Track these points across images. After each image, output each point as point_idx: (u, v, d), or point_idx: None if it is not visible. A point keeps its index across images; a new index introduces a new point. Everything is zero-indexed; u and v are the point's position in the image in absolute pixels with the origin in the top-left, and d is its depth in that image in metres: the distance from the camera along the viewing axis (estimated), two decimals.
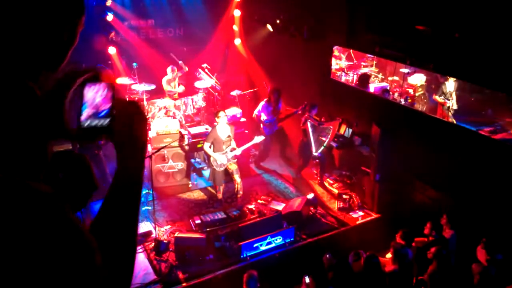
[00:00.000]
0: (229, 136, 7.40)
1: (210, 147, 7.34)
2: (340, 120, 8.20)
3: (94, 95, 1.21)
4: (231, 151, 7.38)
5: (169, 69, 9.86)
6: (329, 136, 8.08)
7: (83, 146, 7.33)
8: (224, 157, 7.36)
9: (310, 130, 8.10)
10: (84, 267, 0.95)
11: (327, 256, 5.71)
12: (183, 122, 9.59)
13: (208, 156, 7.58)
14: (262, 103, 8.82)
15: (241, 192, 7.72)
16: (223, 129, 7.33)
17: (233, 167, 7.52)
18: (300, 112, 8.47)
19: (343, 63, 10.13)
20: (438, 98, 8.13)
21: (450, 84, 8.06)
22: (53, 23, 1.42)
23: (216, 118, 7.33)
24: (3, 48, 1.37)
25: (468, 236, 6.19)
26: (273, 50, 10.28)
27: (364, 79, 9.00)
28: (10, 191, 0.94)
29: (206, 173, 8.58)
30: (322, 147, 8.14)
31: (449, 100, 8.02)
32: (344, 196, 7.79)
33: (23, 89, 1.49)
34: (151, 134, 8.70)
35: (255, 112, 8.87)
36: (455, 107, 8.04)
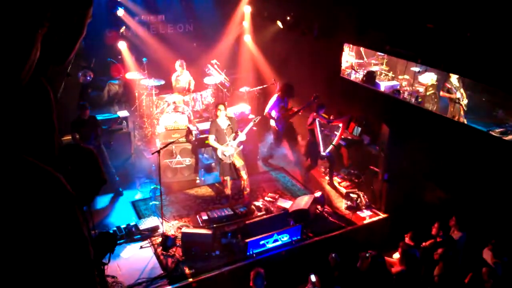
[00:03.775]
0: (229, 125, 7.42)
1: (215, 140, 7.37)
2: (349, 116, 8.13)
3: None
4: (233, 139, 7.39)
5: (177, 64, 9.86)
6: (338, 134, 8.02)
7: (84, 139, 7.41)
8: (229, 147, 7.38)
9: (318, 129, 8.03)
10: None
11: (333, 255, 5.69)
12: (192, 117, 9.61)
13: (215, 150, 7.58)
14: (273, 99, 8.79)
15: (248, 189, 7.71)
16: (223, 120, 7.38)
17: (240, 163, 7.52)
18: (309, 105, 8.44)
19: (354, 60, 10.05)
20: (446, 93, 8.02)
21: (454, 79, 7.96)
22: (60, 14, 1.41)
23: (217, 112, 7.37)
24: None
25: (477, 238, 6.13)
26: (283, 47, 10.24)
27: (371, 76, 8.91)
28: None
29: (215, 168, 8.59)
30: (331, 146, 8.08)
31: (457, 91, 7.90)
32: (352, 195, 7.76)
33: (34, 83, 1.50)
34: (160, 129, 8.74)
35: (267, 109, 8.85)
36: (465, 102, 7.93)
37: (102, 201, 7.67)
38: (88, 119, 7.63)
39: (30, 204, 0.97)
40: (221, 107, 7.37)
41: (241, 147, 7.51)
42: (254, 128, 9.22)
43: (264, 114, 8.90)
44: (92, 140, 7.46)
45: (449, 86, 7.93)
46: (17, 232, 0.94)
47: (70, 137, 7.87)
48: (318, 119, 8.00)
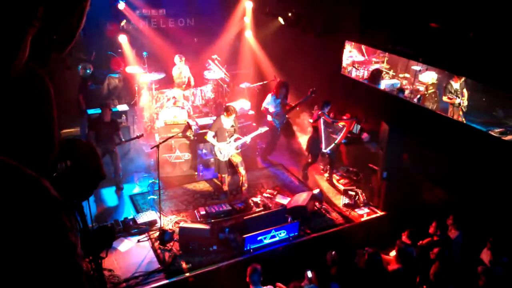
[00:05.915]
0: (232, 126, 7.40)
1: (214, 137, 7.34)
2: (355, 119, 8.10)
3: None
4: (235, 141, 7.39)
5: (176, 58, 9.83)
6: (341, 134, 8.01)
7: (100, 141, 7.40)
8: (228, 147, 7.37)
9: (322, 127, 8.03)
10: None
11: (332, 253, 5.70)
12: (191, 112, 9.60)
13: (213, 146, 7.58)
14: (269, 96, 8.78)
15: (246, 185, 7.72)
16: (228, 119, 7.32)
17: (238, 159, 7.52)
18: (306, 99, 8.45)
19: (359, 57, 10.04)
20: (448, 99, 8.05)
21: (457, 83, 7.98)
22: (65, 5, 1.42)
23: (225, 112, 7.29)
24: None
25: (474, 237, 6.15)
26: (284, 44, 10.21)
27: (376, 75, 8.88)
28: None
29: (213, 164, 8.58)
30: (333, 145, 8.08)
31: (458, 97, 7.93)
32: (350, 193, 7.77)
33: (34, 77, 1.50)
34: (159, 123, 8.73)
35: (263, 105, 8.84)
36: (465, 104, 7.94)
37: (102, 195, 7.67)
38: (110, 121, 7.59)
39: (12, 210, 0.96)
40: (231, 114, 7.23)
41: (239, 151, 7.50)
42: (254, 124, 9.23)
43: (261, 109, 8.89)
44: (108, 144, 7.44)
45: (451, 91, 7.96)
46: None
47: (78, 130, 7.86)
48: (323, 117, 7.98)
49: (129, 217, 6.94)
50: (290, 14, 9.33)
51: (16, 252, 0.94)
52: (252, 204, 7.53)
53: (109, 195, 7.72)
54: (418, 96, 8.90)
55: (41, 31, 1.33)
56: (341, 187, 8.19)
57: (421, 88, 9.19)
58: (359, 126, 8.49)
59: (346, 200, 7.74)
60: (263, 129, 7.67)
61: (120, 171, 7.83)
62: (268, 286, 5.20)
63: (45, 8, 1.26)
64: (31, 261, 0.95)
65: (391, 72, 9.81)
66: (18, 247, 0.95)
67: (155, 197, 7.36)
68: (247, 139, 7.55)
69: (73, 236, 1.10)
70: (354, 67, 9.76)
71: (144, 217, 6.91)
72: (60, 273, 1.03)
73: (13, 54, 1.25)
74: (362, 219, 7.40)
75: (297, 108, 8.99)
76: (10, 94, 1.25)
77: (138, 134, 7.71)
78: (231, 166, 7.71)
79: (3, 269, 0.93)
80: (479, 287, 5.24)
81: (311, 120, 8.37)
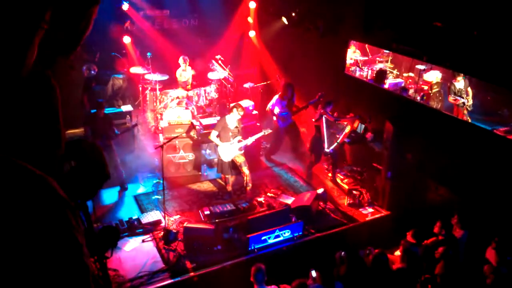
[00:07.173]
0: (236, 127, 7.40)
1: (217, 136, 7.35)
2: (357, 118, 8.08)
3: None
4: (238, 142, 7.39)
5: (180, 60, 9.86)
6: (343, 133, 8.00)
7: (96, 136, 7.43)
8: (230, 147, 7.37)
9: (324, 126, 8.02)
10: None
11: (342, 254, 5.67)
12: (195, 113, 9.62)
13: (216, 146, 7.60)
14: (276, 97, 8.79)
15: (250, 185, 7.72)
16: (232, 119, 7.33)
17: (241, 159, 7.52)
18: (313, 103, 8.45)
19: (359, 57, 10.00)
20: (452, 101, 8.02)
21: (460, 83, 7.95)
22: (73, 10, 1.43)
23: (233, 109, 7.30)
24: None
25: (479, 236, 6.12)
26: (288, 44, 10.21)
27: (381, 75, 8.85)
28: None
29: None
30: (335, 144, 8.07)
31: (462, 97, 7.89)
32: (354, 192, 7.75)
33: (40, 78, 1.51)
34: (163, 124, 8.75)
35: (269, 105, 8.84)
36: (470, 103, 7.90)
37: (107, 195, 7.70)
38: (104, 117, 7.64)
39: (20, 210, 0.97)
40: (240, 111, 7.28)
41: (242, 151, 7.51)
42: (258, 124, 9.24)
43: (266, 109, 8.90)
44: (104, 138, 7.47)
45: (454, 91, 7.91)
46: (4, 239, 0.94)
47: (82, 131, 7.86)
48: (325, 116, 7.98)
49: (133, 217, 6.96)
50: (293, 14, 9.32)
51: (23, 252, 0.95)
52: (256, 204, 7.53)
53: (113, 195, 7.74)
54: (422, 94, 8.85)
55: (48, 33, 1.35)
56: (346, 187, 8.18)
57: (426, 87, 9.14)
58: (363, 126, 8.47)
59: (351, 200, 7.73)
60: (267, 131, 7.67)
61: (120, 167, 7.82)
62: (272, 286, 5.20)
63: (53, 10, 1.27)
64: (38, 260, 0.96)
65: (395, 72, 9.77)
66: (25, 246, 0.96)
67: (160, 197, 7.38)
68: (250, 140, 7.55)
69: (80, 235, 1.12)
70: (358, 66, 9.73)
71: (148, 217, 6.94)
72: (67, 272, 1.04)
73: (22, 56, 1.27)
74: (367, 219, 7.39)
75: (305, 110, 9.00)
76: (18, 95, 1.27)
77: (133, 124, 7.71)
78: (234, 167, 7.71)
79: (11, 268, 0.94)
80: (486, 286, 5.22)
81: (313, 119, 8.36)
